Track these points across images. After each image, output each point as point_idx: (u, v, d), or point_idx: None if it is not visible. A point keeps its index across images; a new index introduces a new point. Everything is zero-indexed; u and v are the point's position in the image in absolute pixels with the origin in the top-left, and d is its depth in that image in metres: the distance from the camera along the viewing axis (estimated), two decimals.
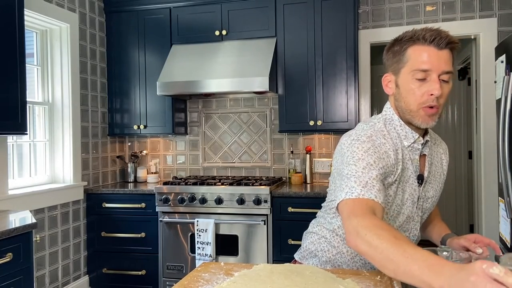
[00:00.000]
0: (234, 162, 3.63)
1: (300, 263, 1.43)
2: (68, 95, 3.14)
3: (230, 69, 3.06)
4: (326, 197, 1.40)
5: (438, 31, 1.14)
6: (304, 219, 2.77)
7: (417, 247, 0.85)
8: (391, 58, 1.23)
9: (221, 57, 3.18)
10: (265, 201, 2.87)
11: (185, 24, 3.35)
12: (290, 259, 1.57)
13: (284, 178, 3.51)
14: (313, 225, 1.44)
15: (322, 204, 1.42)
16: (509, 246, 2.12)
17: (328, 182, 2.26)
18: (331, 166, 2.90)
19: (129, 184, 3.49)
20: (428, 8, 3.21)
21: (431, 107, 1.15)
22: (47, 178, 3.11)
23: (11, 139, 2.78)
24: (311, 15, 3.12)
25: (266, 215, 2.89)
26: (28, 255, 1.97)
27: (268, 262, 2.89)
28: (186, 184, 3.06)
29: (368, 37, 3.32)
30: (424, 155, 1.27)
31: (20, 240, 1.93)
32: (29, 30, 2.99)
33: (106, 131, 3.58)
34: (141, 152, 3.76)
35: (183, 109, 3.65)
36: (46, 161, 3.13)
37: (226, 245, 2.96)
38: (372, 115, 3.43)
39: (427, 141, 1.26)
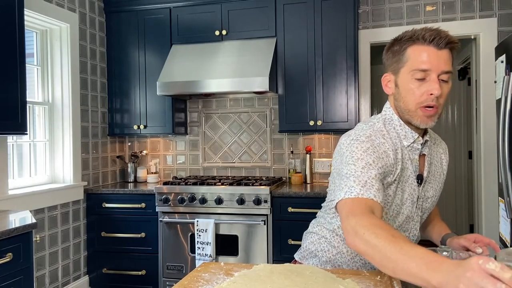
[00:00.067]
0: (234, 162, 3.63)
1: (300, 263, 1.43)
2: (68, 95, 3.14)
3: (230, 69, 3.06)
4: (326, 197, 1.40)
5: (437, 31, 1.14)
6: (304, 219, 2.77)
7: (415, 245, 0.85)
8: (390, 57, 1.23)
9: (221, 57, 3.18)
10: (265, 201, 2.87)
11: (185, 24, 3.35)
12: (290, 259, 1.57)
13: (284, 178, 3.51)
14: (313, 225, 1.44)
15: (322, 204, 1.42)
16: (509, 246, 2.12)
17: (328, 182, 2.27)
18: (331, 166, 2.90)
19: (129, 184, 3.49)
20: (428, 8, 3.21)
21: (430, 107, 1.15)
22: (47, 178, 3.11)
23: (11, 139, 2.78)
24: (311, 15, 3.12)
25: (266, 215, 2.89)
26: (28, 255, 1.97)
27: (268, 262, 2.89)
28: (186, 184, 3.06)
29: (368, 37, 3.32)
30: (424, 155, 1.27)
31: (20, 240, 1.93)
32: (29, 30, 2.99)
33: (106, 131, 3.58)
34: (141, 152, 3.76)
35: (183, 109, 3.65)
36: (46, 161, 3.13)
37: (226, 245, 2.96)
38: (372, 115, 3.42)
39: (426, 141, 1.26)
